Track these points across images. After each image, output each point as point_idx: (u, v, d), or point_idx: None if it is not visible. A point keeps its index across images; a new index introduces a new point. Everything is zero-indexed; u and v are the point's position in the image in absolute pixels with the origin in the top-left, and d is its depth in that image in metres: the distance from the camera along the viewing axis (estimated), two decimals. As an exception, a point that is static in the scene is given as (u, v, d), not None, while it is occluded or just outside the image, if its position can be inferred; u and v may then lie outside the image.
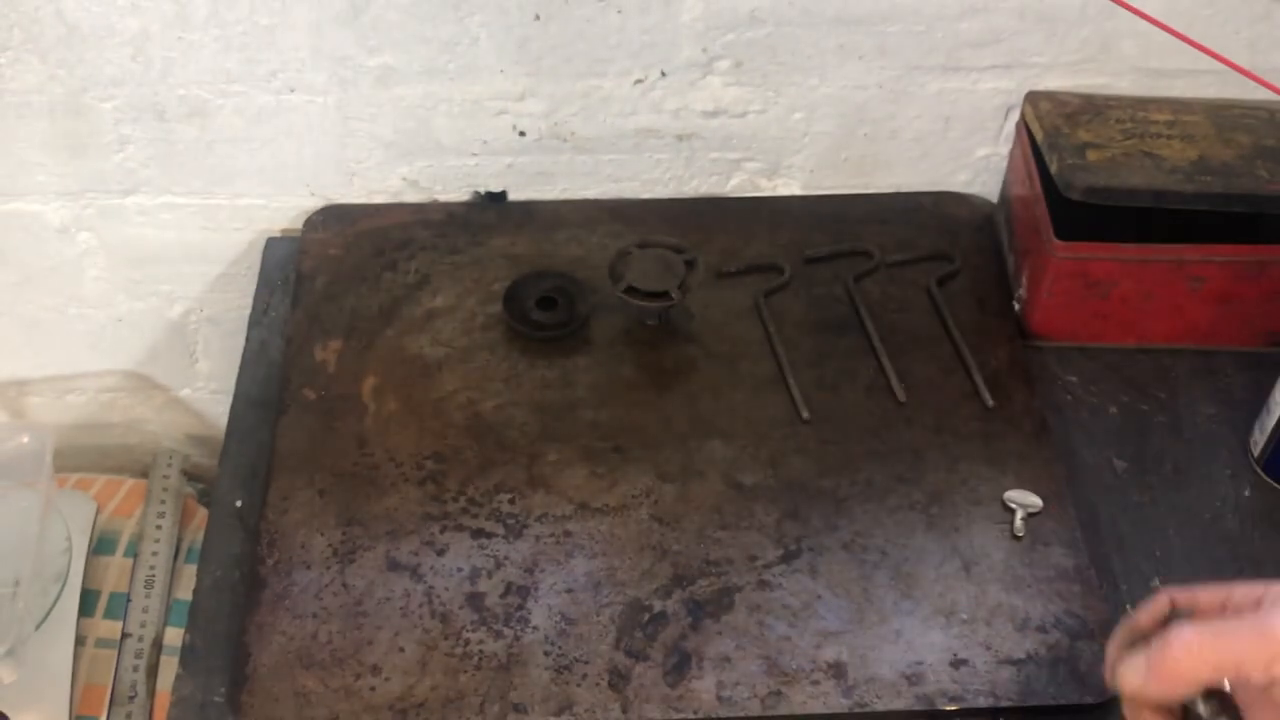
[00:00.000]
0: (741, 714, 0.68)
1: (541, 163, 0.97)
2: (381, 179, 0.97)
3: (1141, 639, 0.54)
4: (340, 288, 0.91)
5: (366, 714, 0.68)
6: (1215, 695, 0.52)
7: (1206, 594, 0.54)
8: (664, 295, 0.84)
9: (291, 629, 0.71)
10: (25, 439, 0.99)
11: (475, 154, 0.96)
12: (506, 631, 0.71)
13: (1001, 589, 0.73)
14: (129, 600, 0.95)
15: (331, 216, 0.97)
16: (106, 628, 0.94)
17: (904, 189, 1.00)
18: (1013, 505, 0.77)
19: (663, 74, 0.91)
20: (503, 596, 0.73)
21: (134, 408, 1.16)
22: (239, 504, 0.80)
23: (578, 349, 0.87)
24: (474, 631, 0.71)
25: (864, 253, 0.93)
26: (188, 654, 0.73)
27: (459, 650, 0.70)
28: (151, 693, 0.91)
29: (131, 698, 0.90)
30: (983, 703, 0.68)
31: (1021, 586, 0.73)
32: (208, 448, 1.20)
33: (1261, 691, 0.52)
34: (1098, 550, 0.77)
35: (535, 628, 0.71)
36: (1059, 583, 0.74)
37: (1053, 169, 0.85)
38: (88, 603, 0.95)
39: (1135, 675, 0.53)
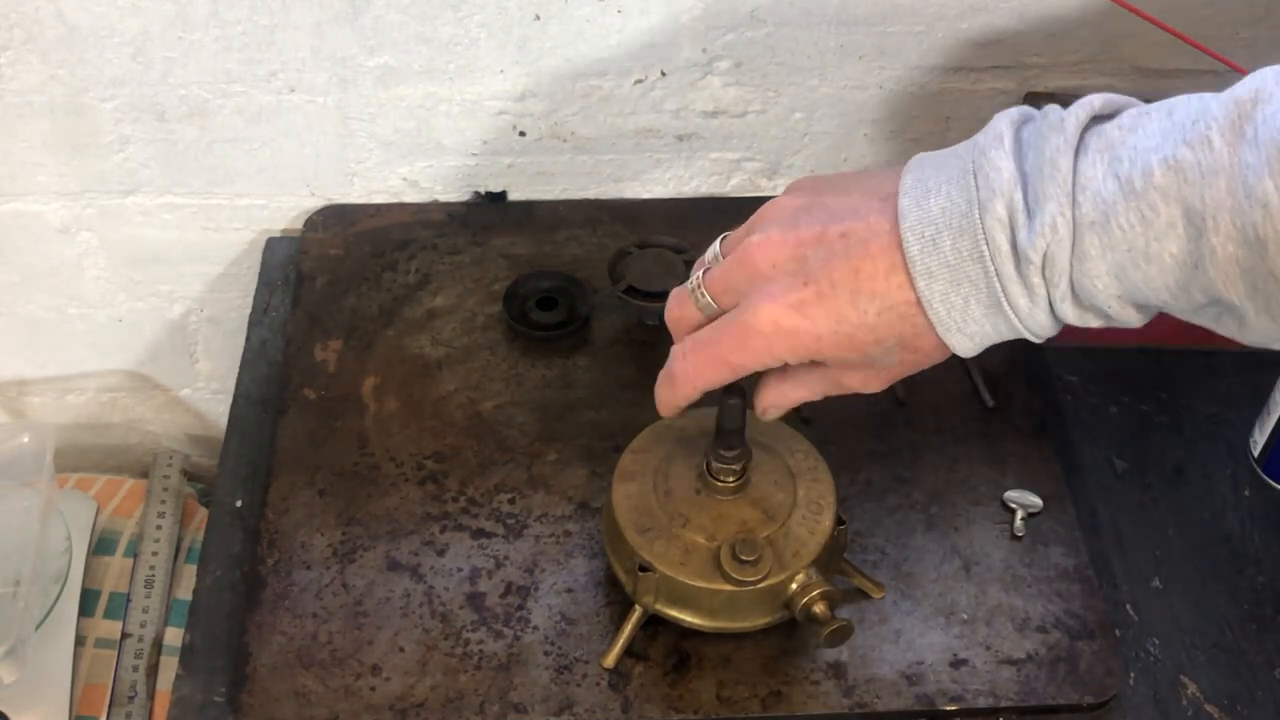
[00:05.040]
0: (741, 714, 0.68)
1: (541, 163, 0.97)
2: (381, 179, 0.97)
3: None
4: (340, 288, 0.91)
5: (366, 714, 0.68)
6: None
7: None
8: (664, 295, 0.84)
9: (291, 629, 0.71)
10: (25, 439, 0.99)
11: (475, 154, 0.96)
12: (506, 631, 0.71)
13: (1001, 589, 0.73)
14: (129, 600, 0.95)
15: (331, 216, 0.97)
16: (106, 627, 0.94)
17: (904, 189, 1.00)
18: (1012, 505, 0.77)
19: (663, 74, 0.91)
20: (503, 596, 0.73)
21: (134, 408, 1.16)
22: (239, 504, 0.80)
23: (578, 349, 0.87)
24: (474, 631, 0.71)
25: (864, 253, 0.93)
26: (188, 654, 0.73)
27: (459, 650, 0.70)
28: (151, 693, 0.91)
29: (131, 698, 0.90)
30: (983, 703, 0.68)
31: (1021, 586, 0.73)
32: (208, 448, 1.20)
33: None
34: (1098, 550, 0.77)
35: (535, 628, 0.71)
36: (1059, 583, 0.74)
37: (1053, 169, 0.85)
38: (88, 602, 0.95)
39: (664, 393, 0.61)
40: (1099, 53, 0.90)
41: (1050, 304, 0.50)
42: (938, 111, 0.95)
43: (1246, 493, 0.80)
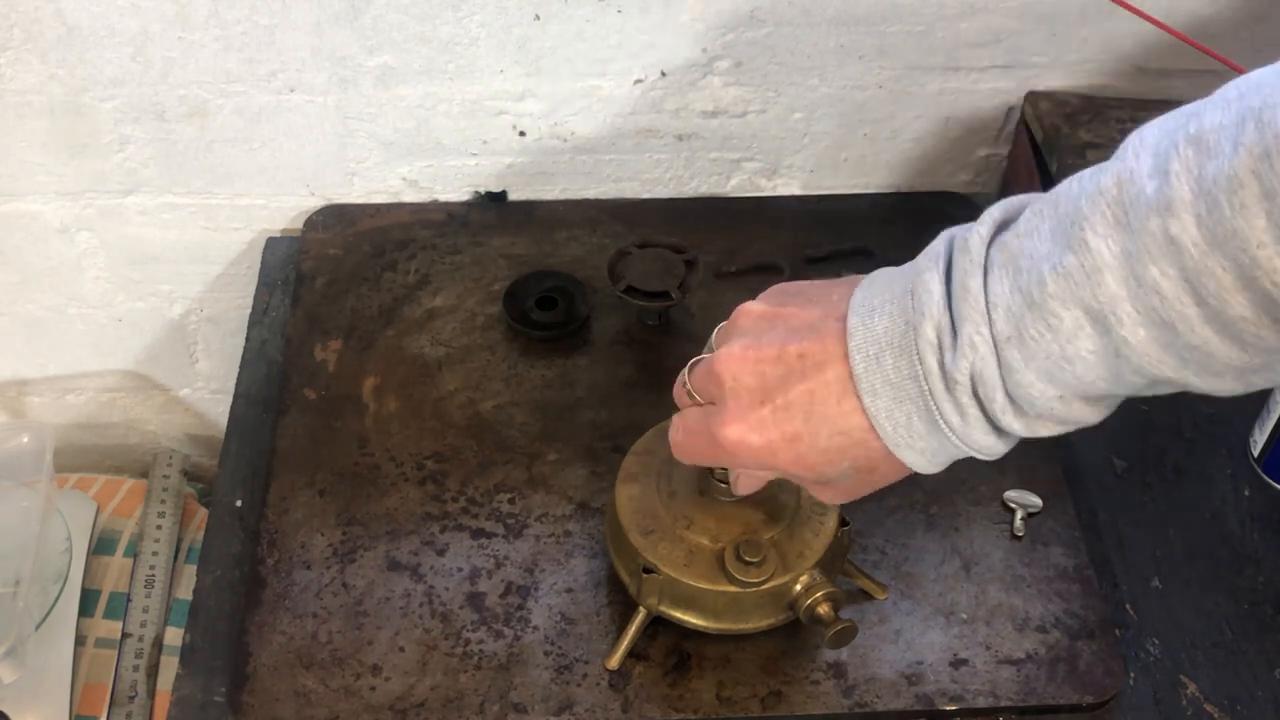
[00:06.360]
0: (741, 714, 0.68)
1: (541, 163, 0.97)
2: (381, 179, 0.97)
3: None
4: (340, 288, 0.91)
5: (366, 714, 0.68)
6: None
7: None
8: (664, 295, 0.84)
9: (291, 629, 0.71)
10: (25, 439, 0.99)
11: (475, 154, 0.96)
12: (506, 631, 0.71)
13: (1001, 589, 0.73)
14: (129, 600, 0.95)
15: (331, 216, 0.97)
16: (106, 627, 0.94)
17: (904, 189, 1.00)
18: (1012, 505, 0.77)
19: (663, 74, 0.91)
20: (503, 596, 0.73)
21: (134, 408, 1.16)
22: (239, 504, 0.80)
23: (578, 349, 0.87)
24: (474, 631, 0.71)
25: (864, 252, 0.93)
26: (188, 654, 0.73)
27: (459, 650, 0.70)
28: (151, 692, 0.91)
29: (131, 697, 0.90)
30: (982, 703, 0.68)
31: (1021, 586, 0.73)
32: (208, 448, 1.20)
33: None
34: (1098, 550, 0.77)
35: (535, 628, 0.71)
36: (1059, 583, 0.74)
37: (1053, 169, 0.85)
38: (88, 602, 0.95)
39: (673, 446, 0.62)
40: (1099, 53, 0.90)
41: (989, 422, 0.51)
42: (937, 111, 0.95)
43: (1246, 493, 0.80)
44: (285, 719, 0.68)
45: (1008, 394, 0.49)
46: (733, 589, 0.65)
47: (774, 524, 0.67)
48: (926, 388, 0.50)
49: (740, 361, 0.56)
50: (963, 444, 0.52)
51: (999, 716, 0.69)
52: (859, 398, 0.52)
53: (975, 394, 0.50)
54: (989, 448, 0.52)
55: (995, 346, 0.48)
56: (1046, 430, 0.51)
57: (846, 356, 0.52)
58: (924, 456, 0.53)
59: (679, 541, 0.67)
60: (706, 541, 0.67)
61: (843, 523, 0.68)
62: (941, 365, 0.50)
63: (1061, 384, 0.48)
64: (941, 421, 0.51)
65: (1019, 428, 0.50)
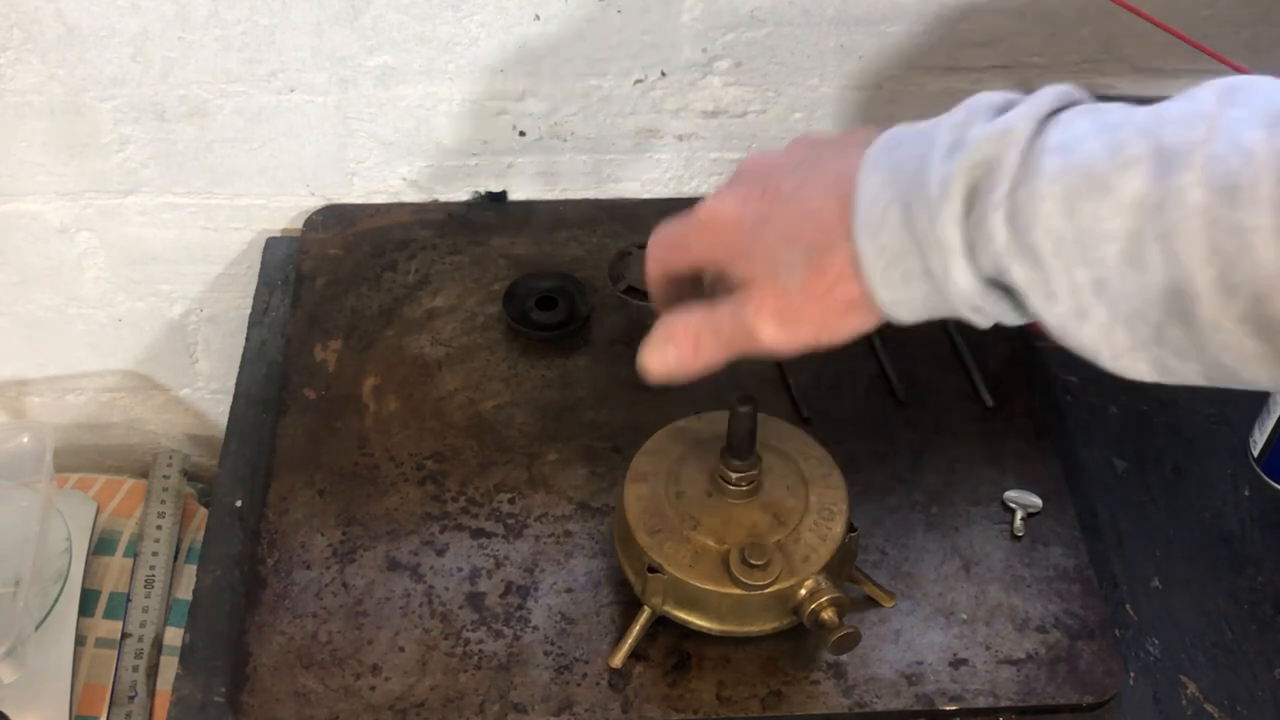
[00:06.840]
0: (741, 714, 0.68)
1: (541, 163, 0.97)
2: (381, 179, 0.97)
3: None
4: (340, 288, 0.91)
5: (366, 714, 0.68)
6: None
7: None
8: (664, 295, 0.84)
9: (291, 629, 0.71)
10: (25, 439, 0.99)
11: (475, 154, 0.96)
12: (506, 631, 0.71)
13: (1001, 589, 0.73)
14: (129, 600, 0.95)
15: (331, 216, 0.97)
16: (106, 627, 0.94)
17: (904, 189, 1.00)
18: (1012, 505, 0.77)
19: (663, 74, 0.91)
20: (503, 596, 0.73)
21: (134, 408, 1.16)
22: (239, 504, 0.80)
23: (578, 349, 0.87)
24: (474, 631, 0.71)
25: (864, 253, 0.93)
26: (188, 654, 0.73)
27: (459, 650, 0.70)
28: (151, 693, 0.91)
29: (131, 697, 0.90)
30: (982, 703, 0.68)
31: (1021, 586, 0.74)
32: (208, 448, 1.20)
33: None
34: (1098, 550, 0.77)
35: (535, 628, 0.71)
36: (1059, 583, 0.74)
37: (1053, 169, 0.85)
38: (88, 602, 0.95)
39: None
40: (1099, 53, 0.90)
41: (971, 204, 0.47)
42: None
43: (1246, 493, 0.81)
44: (285, 719, 0.68)
45: (1015, 189, 0.45)
46: (737, 591, 0.65)
47: (781, 527, 0.67)
48: (923, 150, 0.48)
49: (768, 161, 0.57)
50: (927, 232, 0.47)
51: (999, 716, 0.69)
52: (854, 177, 0.50)
53: (973, 185, 0.46)
54: (947, 240, 0.47)
55: (1031, 143, 0.46)
56: (1015, 275, 0.46)
57: (861, 159, 0.51)
58: (881, 258, 0.49)
59: (685, 542, 0.67)
60: (712, 543, 0.67)
61: (851, 528, 0.68)
62: (960, 130, 0.48)
63: (1074, 222, 0.44)
64: (921, 189, 0.47)
65: (1000, 239, 0.46)
